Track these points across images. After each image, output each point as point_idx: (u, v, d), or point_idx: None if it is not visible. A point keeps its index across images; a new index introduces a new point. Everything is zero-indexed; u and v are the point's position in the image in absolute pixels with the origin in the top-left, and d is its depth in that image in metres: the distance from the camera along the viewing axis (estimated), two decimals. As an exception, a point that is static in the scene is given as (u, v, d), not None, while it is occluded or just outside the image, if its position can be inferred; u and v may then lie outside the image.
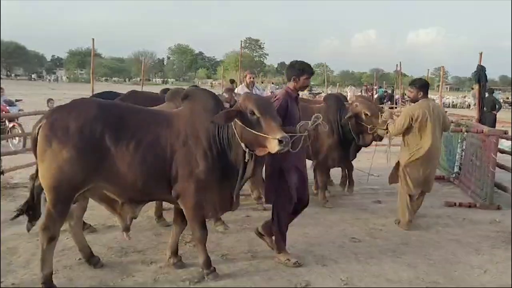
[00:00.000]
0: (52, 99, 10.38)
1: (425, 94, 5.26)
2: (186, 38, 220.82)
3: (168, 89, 8.28)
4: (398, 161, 5.40)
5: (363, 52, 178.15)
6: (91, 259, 3.97)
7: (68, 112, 3.43)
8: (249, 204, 5.97)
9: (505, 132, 6.35)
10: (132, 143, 3.43)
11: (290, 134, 3.46)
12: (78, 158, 3.32)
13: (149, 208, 5.60)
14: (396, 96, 22.06)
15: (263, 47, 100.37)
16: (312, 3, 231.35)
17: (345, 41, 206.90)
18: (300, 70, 4.09)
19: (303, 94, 24.51)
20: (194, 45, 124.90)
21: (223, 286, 3.69)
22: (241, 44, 15.28)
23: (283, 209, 4.11)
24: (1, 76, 60.93)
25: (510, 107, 35.19)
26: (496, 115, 13.26)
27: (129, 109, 3.69)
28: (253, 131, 3.39)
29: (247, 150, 3.50)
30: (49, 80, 71.25)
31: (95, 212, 5.44)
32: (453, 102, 33.64)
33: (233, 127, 3.51)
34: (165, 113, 3.77)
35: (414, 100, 5.28)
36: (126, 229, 3.77)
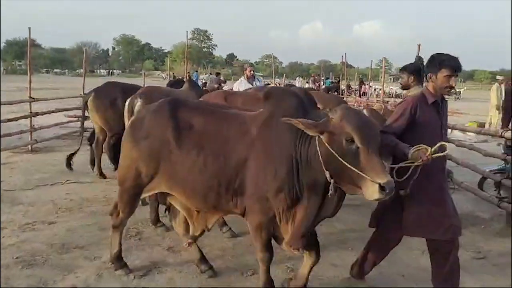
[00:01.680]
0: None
1: (418, 81, 4.50)
2: (132, 29, 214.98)
3: (178, 80, 7.96)
4: None
5: (311, 44, 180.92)
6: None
7: (145, 113, 3.44)
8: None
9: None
10: (195, 148, 3.11)
11: (403, 164, 2.86)
12: (143, 160, 3.30)
13: (93, 204, 5.45)
14: (342, 87, 22.58)
15: (212, 38, 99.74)
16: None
17: (293, 33, 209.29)
18: (438, 65, 3.05)
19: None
20: (140, 36, 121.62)
21: (169, 279, 3.65)
22: (187, 35, 14.87)
23: (375, 239, 3.41)
24: None
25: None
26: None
27: (202, 110, 3.33)
28: (347, 164, 2.59)
29: (332, 181, 2.73)
30: (-17, 72, 67.08)
31: (34, 208, 5.23)
32: (396, 92, 34.80)
33: (317, 147, 2.77)
34: (241, 117, 3.22)
35: (405, 87, 4.60)
36: (193, 239, 3.61)
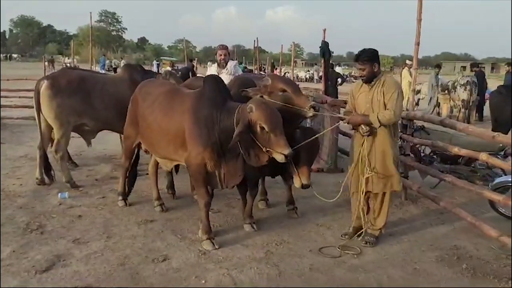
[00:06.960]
0: None
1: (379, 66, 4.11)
2: (31, 9, 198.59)
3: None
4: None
5: (225, 28, 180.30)
6: None
7: None
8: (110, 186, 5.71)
9: (345, 102, 6.97)
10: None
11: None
12: None
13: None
14: (255, 72, 22.84)
15: (121, 21, 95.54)
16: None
17: (206, 17, 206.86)
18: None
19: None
20: (41, 17, 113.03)
21: (74, 272, 3.48)
22: (91, 16, 13.82)
23: None
24: None
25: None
26: (337, 88, 14.41)
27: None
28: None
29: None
30: None
31: None
32: (306, 76, 35.93)
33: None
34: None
35: (370, 78, 4.02)
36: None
